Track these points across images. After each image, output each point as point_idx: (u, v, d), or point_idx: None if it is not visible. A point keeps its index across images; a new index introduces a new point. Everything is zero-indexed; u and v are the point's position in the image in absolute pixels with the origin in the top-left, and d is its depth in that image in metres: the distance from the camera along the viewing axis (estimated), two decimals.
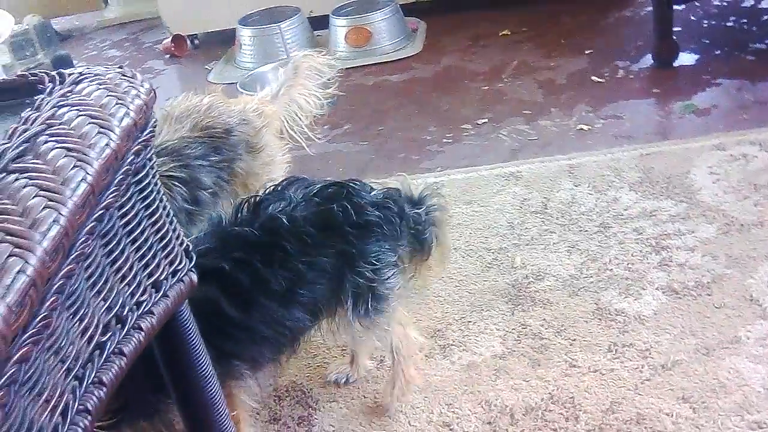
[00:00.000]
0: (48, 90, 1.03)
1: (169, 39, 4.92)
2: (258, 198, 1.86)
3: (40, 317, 0.80)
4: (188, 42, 4.97)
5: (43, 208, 0.82)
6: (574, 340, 2.14)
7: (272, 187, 1.90)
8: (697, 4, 4.10)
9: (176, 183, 2.14)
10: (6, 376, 0.74)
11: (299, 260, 1.78)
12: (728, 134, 2.94)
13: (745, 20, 3.94)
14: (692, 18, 4.03)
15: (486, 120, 3.44)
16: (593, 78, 3.63)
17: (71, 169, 0.88)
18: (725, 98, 3.26)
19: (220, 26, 4.85)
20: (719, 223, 2.47)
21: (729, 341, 2.04)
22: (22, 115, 0.96)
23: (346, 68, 4.17)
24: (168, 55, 4.95)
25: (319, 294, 1.84)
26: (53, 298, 0.83)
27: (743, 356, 1.98)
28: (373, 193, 1.92)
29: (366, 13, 4.41)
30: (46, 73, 1.08)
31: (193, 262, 1.23)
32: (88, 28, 5.80)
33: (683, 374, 1.97)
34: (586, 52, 3.90)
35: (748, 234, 2.39)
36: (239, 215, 1.84)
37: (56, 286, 0.84)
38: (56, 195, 0.84)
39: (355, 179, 1.97)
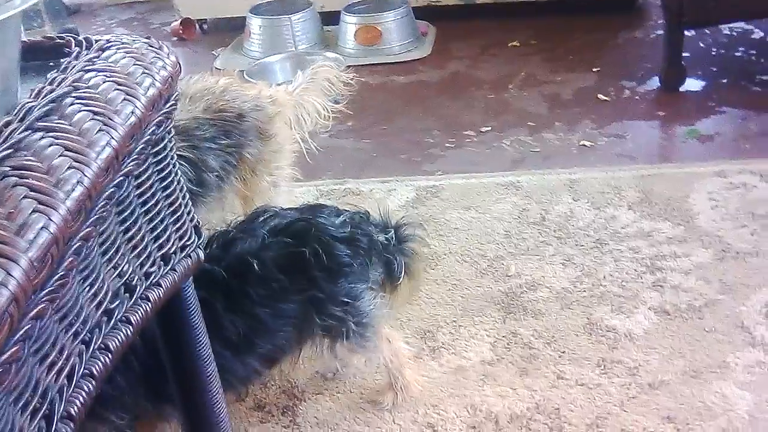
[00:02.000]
0: (74, 54, 1.03)
1: (178, 22, 4.91)
2: (229, 234, 1.81)
3: (57, 276, 0.81)
4: (197, 26, 4.96)
5: (68, 168, 0.82)
6: (564, 352, 2.15)
7: (242, 221, 1.87)
8: (707, 31, 4.12)
9: (183, 162, 2.13)
10: (22, 332, 0.74)
11: (263, 308, 1.73)
12: (730, 162, 2.95)
13: (754, 51, 3.96)
14: (701, 45, 4.04)
15: (489, 128, 3.44)
16: (599, 96, 3.64)
17: (96, 132, 0.89)
18: (729, 126, 3.28)
19: (230, 13, 4.84)
20: (715, 248, 2.48)
21: (717, 366, 2.05)
22: (48, 76, 0.96)
23: (353, 66, 4.18)
24: (176, 38, 4.94)
25: (280, 341, 1.81)
26: (71, 259, 0.83)
27: (730, 381, 1.99)
28: (339, 221, 1.88)
29: (378, 12, 4.41)
30: (73, 37, 1.08)
31: (201, 239, 1.23)
32: (97, 4, 5.78)
33: (670, 395, 1.98)
34: (594, 69, 3.91)
35: (743, 262, 2.40)
36: (209, 249, 1.77)
37: (74, 248, 0.84)
38: (81, 156, 0.84)
39: (322, 204, 1.96)
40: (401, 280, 1.98)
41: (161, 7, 5.52)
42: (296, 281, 1.77)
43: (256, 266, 1.71)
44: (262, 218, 1.84)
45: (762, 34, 4.11)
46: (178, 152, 2.10)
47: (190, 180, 2.13)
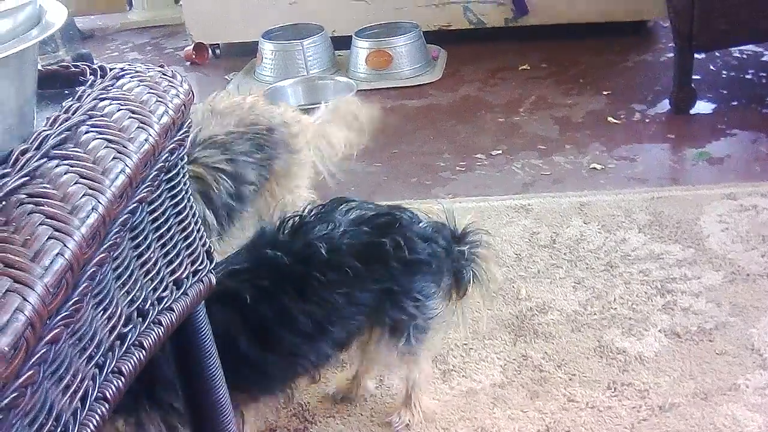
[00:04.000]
0: (89, 82, 1.05)
1: (191, 47, 4.95)
2: (302, 218, 1.80)
3: (72, 301, 0.82)
4: (210, 51, 5.00)
5: (83, 195, 0.84)
6: (574, 375, 2.15)
7: (319, 207, 1.85)
8: (717, 54, 4.14)
9: (223, 176, 2.16)
10: (37, 356, 0.76)
11: (335, 293, 1.73)
12: (740, 185, 2.96)
13: (764, 74, 3.97)
14: (712, 68, 4.06)
15: (500, 151, 3.46)
16: (609, 119, 3.65)
17: (111, 159, 0.91)
18: (739, 149, 3.29)
19: (242, 38, 4.88)
20: (725, 271, 2.48)
21: (728, 388, 2.05)
22: (64, 104, 0.98)
23: (365, 90, 4.21)
24: (189, 63, 4.98)
25: (354, 328, 1.82)
26: (85, 284, 0.85)
27: (741, 404, 1.99)
28: (422, 225, 1.89)
29: (389, 37, 4.44)
30: (87, 65, 1.10)
31: (213, 264, 1.25)
32: (111, 29, 5.84)
33: (680, 417, 1.98)
34: (604, 92, 3.93)
35: (753, 284, 2.41)
36: (280, 235, 1.78)
37: (89, 273, 0.86)
38: (96, 184, 0.86)
39: (404, 207, 1.94)
40: (472, 287, 1.98)
41: (174, 32, 5.57)
42: (374, 271, 1.77)
43: (324, 251, 1.71)
44: (343, 208, 1.84)
45: None
46: (218, 165, 2.15)
47: (230, 195, 2.15)
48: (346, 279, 1.74)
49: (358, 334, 1.87)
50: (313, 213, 1.83)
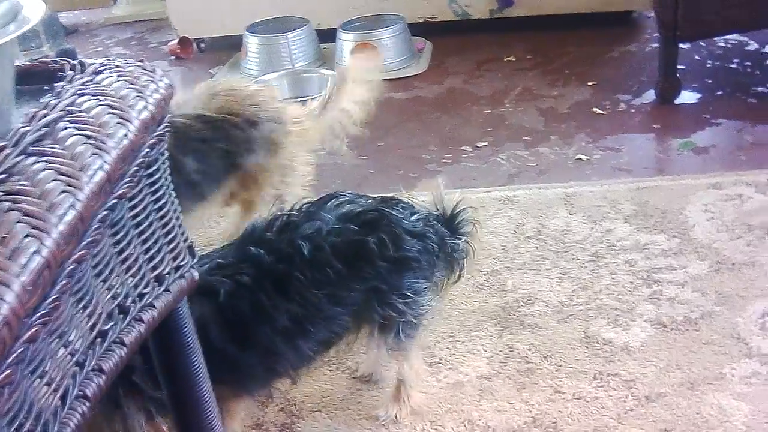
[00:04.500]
0: (68, 78, 1.05)
1: (176, 41, 4.93)
2: (291, 217, 1.80)
3: (50, 299, 0.82)
4: (194, 45, 4.98)
5: (61, 192, 0.84)
6: (561, 366, 2.16)
7: (309, 204, 1.84)
8: (702, 44, 4.14)
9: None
10: (14, 355, 0.75)
11: (317, 292, 1.72)
12: (725, 174, 2.96)
13: (749, 63, 3.98)
14: (696, 58, 4.06)
15: (486, 143, 3.46)
16: (595, 109, 3.65)
17: (89, 156, 0.90)
18: (724, 138, 3.29)
19: (227, 32, 4.86)
20: (711, 260, 2.49)
21: (714, 377, 2.05)
22: (42, 100, 0.98)
23: None
24: (173, 57, 4.96)
25: (339, 329, 1.81)
26: (64, 282, 0.85)
27: (727, 393, 2.00)
28: (413, 218, 1.87)
29: (374, 29, 4.43)
30: (67, 61, 1.10)
31: (195, 260, 1.24)
32: (95, 24, 5.81)
33: (666, 407, 1.98)
34: (590, 83, 3.93)
35: (739, 273, 2.41)
36: (268, 232, 1.77)
37: (67, 271, 0.85)
38: (74, 180, 0.86)
39: (398, 198, 1.93)
40: (458, 280, 1.99)
41: (159, 27, 5.55)
42: (359, 270, 1.76)
43: (306, 251, 1.70)
44: (333, 203, 1.82)
45: (757, 45, 4.14)
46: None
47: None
48: (329, 279, 1.72)
49: (345, 333, 1.86)
50: (303, 210, 1.82)
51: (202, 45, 5.03)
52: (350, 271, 1.74)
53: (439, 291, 1.96)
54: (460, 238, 1.96)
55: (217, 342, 1.64)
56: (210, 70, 4.69)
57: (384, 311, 1.83)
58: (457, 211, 1.99)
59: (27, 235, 0.77)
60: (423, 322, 1.93)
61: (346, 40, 4.40)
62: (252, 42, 4.50)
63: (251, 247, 1.72)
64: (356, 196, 1.88)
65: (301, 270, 1.70)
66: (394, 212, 1.84)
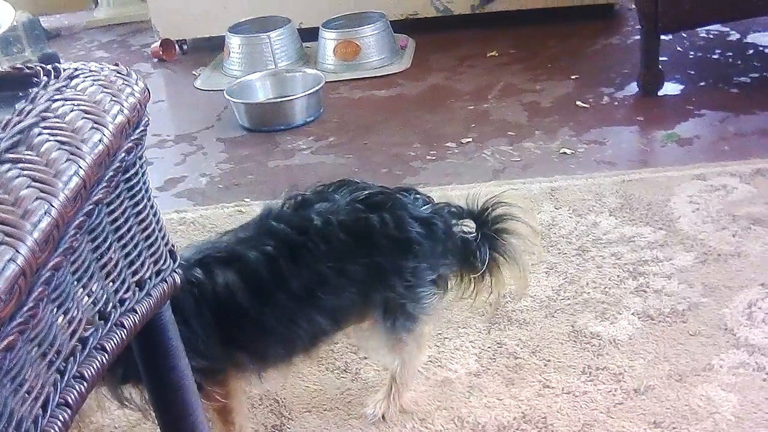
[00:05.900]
0: (43, 84, 1.03)
1: (158, 43, 4.92)
2: (304, 197, 1.87)
3: (26, 307, 0.81)
4: (177, 47, 4.97)
5: (35, 199, 0.83)
6: (549, 360, 2.16)
7: (322, 187, 1.90)
8: (684, 35, 4.15)
9: None
10: None
11: (325, 264, 1.78)
12: (709, 165, 2.97)
13: (731, 53, 3.98)
14: (678, 49, 4.07)
15: (470, 139, 3.46)
16: (578, 103, 3.66)
17: (64, 162, 0.89)
18: (708, 129, 3.30)
19: (209, 33, 4.86)
20: (697, 252, 2.49)
21: (702, 369, 2.05)
22: (17, 107, 0.96)
23: (333, 81, 4.20)
24: (156, 59, 4.95)
25: (346, 301, 1.84)
26: (40, 290, 0.84)
27: (715, 384, 2.00)
28: (423, 207, 1.90)
29: (356, 27, 4.43)
30: (41, 66, 1.08)
31: (177, 263, 1.23)
32: (77, 27, 5.79)
33: (655, 399, 1.98)
34: (572, 77, 3.94)
35: (725, 264, 2.42)
36: (285, 208, 1.85)
37: (44, 278, 0.84)
38: (48, 187, 0.85)
39: (412, 188, 1.96)
40: (484, 269, 1.96)
41: (141, 29, 5.54)
42: (362, 246, 1.81)
43: (319, 224, 1.78)
44: (346, 188, 1.88)
45: (738, 36, 4.15)
46: None
47: None
48: (335, 251, 1.79)
49: (353, 309, 1.88)
50: (316, 191, 1.89)
51: (185, 47, 5.02)
52: (355, 245, 1.80)
53: (446, 285, 1.96)
54: (478, 233, 1.96)
55: (243, 304, 1.74)
56: (193, 72, 4.69)
57: (385, 292, 1.85)
58: (487, 206, 1.98)
59: (1, 244, 0.76)
60: (422, 316, 1.92)
61: (329, 39, 4.40)
62: (234, 42, 4.49)
63: (272, 222, 1.82)
64: (369, 184, 1.93)
65: (312, 241, 1.78)
66: (400, 196, 1.89)
